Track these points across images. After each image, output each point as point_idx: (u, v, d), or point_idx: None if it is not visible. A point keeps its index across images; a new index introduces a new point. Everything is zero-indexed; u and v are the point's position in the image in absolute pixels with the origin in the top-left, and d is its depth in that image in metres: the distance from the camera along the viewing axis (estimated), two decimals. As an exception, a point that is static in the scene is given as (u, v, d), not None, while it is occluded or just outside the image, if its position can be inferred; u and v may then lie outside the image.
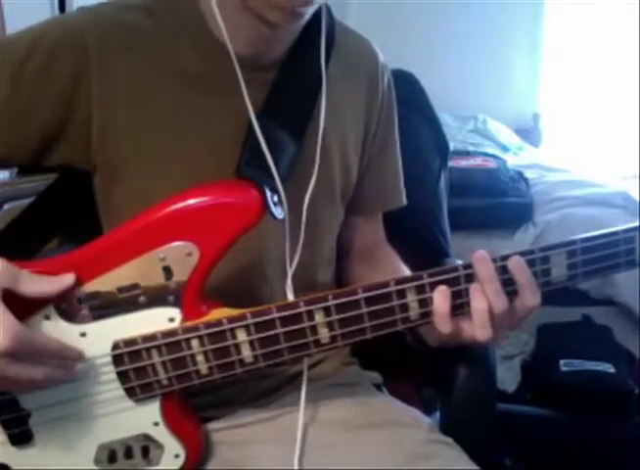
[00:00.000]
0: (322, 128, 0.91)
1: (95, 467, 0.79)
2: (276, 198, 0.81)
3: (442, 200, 1.35)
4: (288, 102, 0.89)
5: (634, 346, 2.30)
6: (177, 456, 0.81)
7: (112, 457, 0.79)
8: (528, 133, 4.07)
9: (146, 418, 0.79)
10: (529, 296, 0.76)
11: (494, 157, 3.02)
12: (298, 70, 0.90)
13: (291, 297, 0.85)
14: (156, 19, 0.87)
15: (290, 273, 0.88)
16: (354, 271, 1.07)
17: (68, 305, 0.75)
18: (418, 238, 1.27)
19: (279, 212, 0.81)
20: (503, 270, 0.76)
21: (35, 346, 0.69)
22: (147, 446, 0.80)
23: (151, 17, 0.87)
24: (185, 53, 0.86)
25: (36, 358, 0.70)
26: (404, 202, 1.09)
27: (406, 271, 1.01)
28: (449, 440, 0.92)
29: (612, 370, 2.05)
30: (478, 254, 0.76)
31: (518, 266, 0.75)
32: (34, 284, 0.71)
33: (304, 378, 0.87)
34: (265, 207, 0.78)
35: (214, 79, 0.87)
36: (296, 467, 0.84)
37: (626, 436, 1.94)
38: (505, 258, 0.76)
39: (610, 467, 1.83)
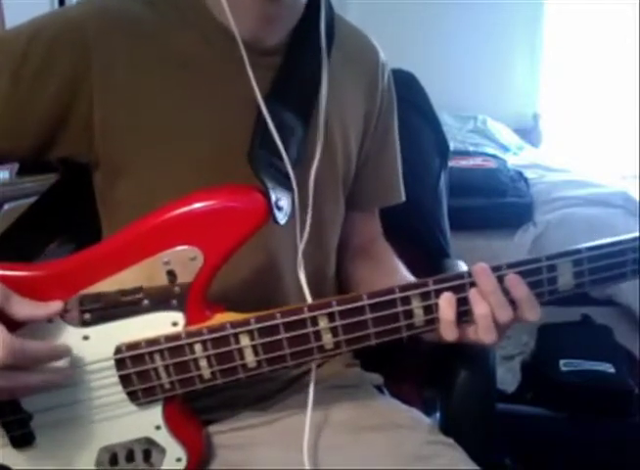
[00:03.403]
0: (324, 109, 0.91)
1: (96, 469, 0.79)
2: (280, 202, 0.80)
3: (442, 200, 1.35)
4: (294, 86, 0.89)
5: (634, 346, 2.30)
6: (179, 460, 0.80)
7: (113, 460, 0.79)
8: (528, 133, 4.07)
9: (148, 422, 0.79)
10: (528, 311, 0.76)
11: (494, 157, 3.03)
12: (302, 55, 0.91)
13: (303, 279, 0.86)
14: (155, 8, 0.86)
15: (300, 248, 0.87)
16: (350, 267, 1.07)
17: (71, 308, 0.74)
18: (418, 238, 1.27)
19: (282, 217, 0.80)
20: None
21: (27, 354, 0.69)
22: (149, 450, 0.79)
23: (150, 6, 0.86)
24: (188, 40, 0.86)
25: (30, 366, 0.71)
26: (403, 198, 1.09)
27: (402, 268, 1.01)
28: (450, 440, 0.92)
29: (612, 370, 2.05)
30: (478, 267, 0.75)
31: (514, 283, 0.75)
32: (24, 308, 0.71)
33: (312, 378, 0.87)
34: (269, 211, 0.78)
35: (218, 65, 0.87)
36: (307, 467, 0.84)
37: (626, 436, 1.94)
38: (512, 266, 0.76)
39: (610, 467, 1.83)
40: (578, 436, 1.91)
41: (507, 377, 2.21)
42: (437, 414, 1.02)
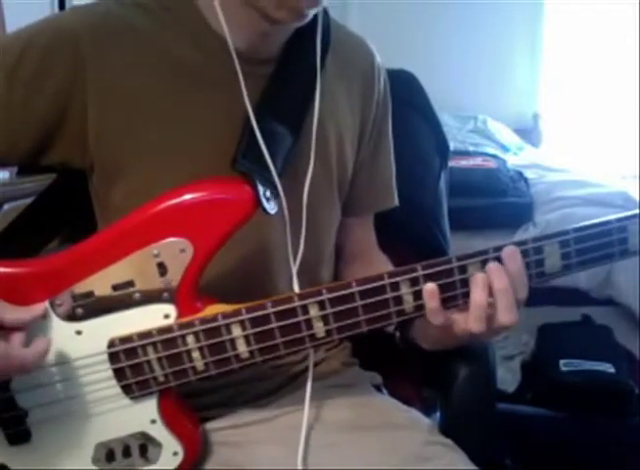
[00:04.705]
0: (316, 119, 0.91)
1: (93, 466, 0.79)
2: (269, 193, 0.80)
3: (442, 200, 1.34)
4: (285, 95, 0.89)
5: (634, 346, 2.30)
6: (176, 454, 0.80)
7: (110, 456, 0.79)
8: (528, 133, 4.06)
9: (143, 416, 0.79)
10: (519, 288, 0.76)
11: (494, 157, 3.02)
12: (295, 65, 0.91)
13: (296, 288, 0.85)
14: (151, 15, 0.87)
15: (294, 269, 0.87)
16: (346, 273, 1.06)
17: (63, 304, 0.75)
18: (418, 238, 1.26)
19: (271, 207, 0.80)
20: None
21: (13, 362, 0.71)
22: (145, 445, 0.79)
23: (145, 13, 0.87)
24: (183, 47, 0.86)
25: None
26: (396, 203, 1.08)
27: None
28: (449, 441, 0.91)
29: (612, 370, 2.05)
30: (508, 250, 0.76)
31: (512, 256, 0.75)
32: (10, 312, 0.72)
33: (309, 377, 0.87)
34: (257, 202, 0.78)
35: (212, 73, 0.87)
36: (300, 467, 0.84)
37: (626, 436, 1.94)
38: (498, 249, 0.76)
39: (610, 467, 1.82)
40: (578, 436, 1.91)
41: (507, 377, 2.21)
42: (437, 414, 1.02)
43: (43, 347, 0.73)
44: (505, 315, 0.75)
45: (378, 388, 1.04)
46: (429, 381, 1.12)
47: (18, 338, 0.71)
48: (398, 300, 0.76)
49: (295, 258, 0.89)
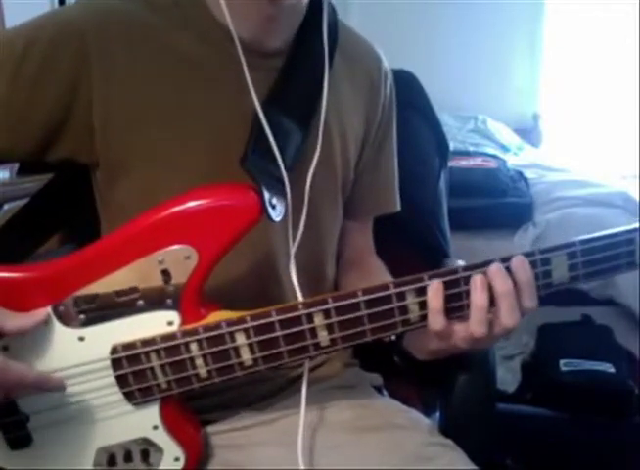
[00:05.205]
0: (323, 115, 0.90)
1: (94, 471, 0.79)
2: (274, 199, 0.80)
3: (442, 200, 1.34)
4: (294, 90, 0.89)
5: (634, 346, 2.30)
6: (177, 459, 0.80)
7: (111, 461, 0.79)
8: (528, 133, 4.07)
9: (145, 422, 0.79)
10: (528, 298, 0.76)
11: (494, 157, 3.02)
12: (304, 59, 0.91)
13: (295, 281, 0.85)
14: (155, 9, 0.86)
15: (292, 251, 0.87)
16: (343, 279, 1.06)
17: (65, 310, 0.75)
18: (418, 238, 1.27)
19: (277, 215, 0.80)
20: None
21: (11, 377, 0.71)
22: (146, 450, 0.79)
23: (150, 7, 0.86)
24: (189, 42, 0.86)
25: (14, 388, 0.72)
26: (398, 208, 1.08)
27: None
28: (449, 442, 0.91)
29: (612, 370, 2.05)
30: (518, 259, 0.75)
31: (520, 266, 0.75)
32: (11, 320, 0.72)
33: (305, 379, 0.87)
34: (263, 209, 0.78)
35: (217, 64, 0.87)
36: (301, 467, 0.84)
37: (626, 436, 1.94)
38: (505, 260, 0.76)
39: (610, 467, 1.83)
40: (578, 436, 1.91)
41: (507, 377, 2.21)
42: (437, 414, 1.02)
43: (53, 378, 0.74)
44: (508, 318, 0.75)
45: (378, 389, 1.04)
46: (429, 382, 1.12)
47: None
48: (404, 309, 0.76)
49: (293, 241, 0.88)
